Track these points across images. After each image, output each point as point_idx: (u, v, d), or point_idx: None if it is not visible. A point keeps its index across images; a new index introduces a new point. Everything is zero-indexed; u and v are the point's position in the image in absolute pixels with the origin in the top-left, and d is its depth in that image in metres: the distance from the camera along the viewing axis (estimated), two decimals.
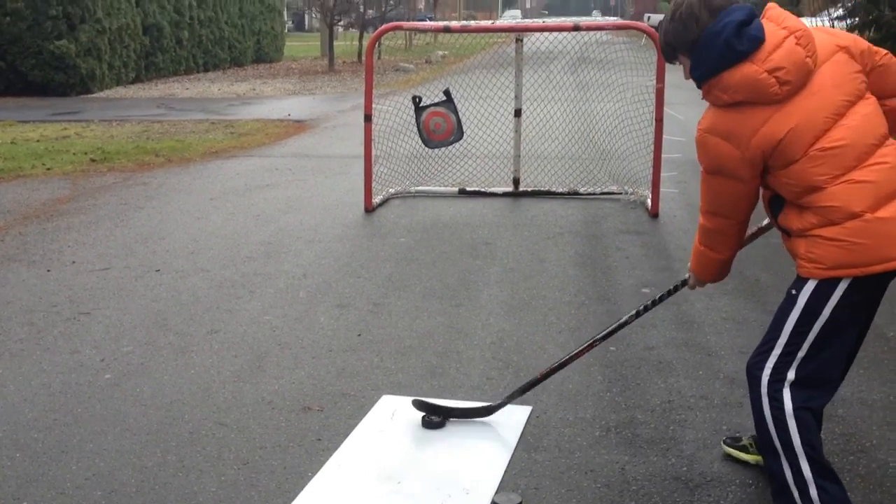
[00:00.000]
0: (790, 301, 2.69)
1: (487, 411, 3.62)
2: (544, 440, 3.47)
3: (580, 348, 3.50)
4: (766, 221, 3.07)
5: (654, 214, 7.24)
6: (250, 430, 3.59)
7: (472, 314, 4.95)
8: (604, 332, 3.46)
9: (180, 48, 23.64)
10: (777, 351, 2.70)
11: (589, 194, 8.10)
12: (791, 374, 2.67)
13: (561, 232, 6.82)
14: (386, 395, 3.92)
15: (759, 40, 2.56)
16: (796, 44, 2.55)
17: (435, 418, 3.59)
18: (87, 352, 4.46)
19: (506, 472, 3.23)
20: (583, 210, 7.58)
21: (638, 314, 3.40)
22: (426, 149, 8.03)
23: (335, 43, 27.31)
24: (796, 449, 2.66)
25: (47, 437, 3.54)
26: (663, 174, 7.37)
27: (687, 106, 11.92)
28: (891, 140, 2.64)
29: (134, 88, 20.34)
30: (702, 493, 3.08)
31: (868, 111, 2.61)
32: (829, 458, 2.93)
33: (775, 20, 2.62)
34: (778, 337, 2.70)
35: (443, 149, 8.06)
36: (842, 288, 2.58)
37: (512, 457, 3.34)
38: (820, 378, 2.70)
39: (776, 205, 2.76)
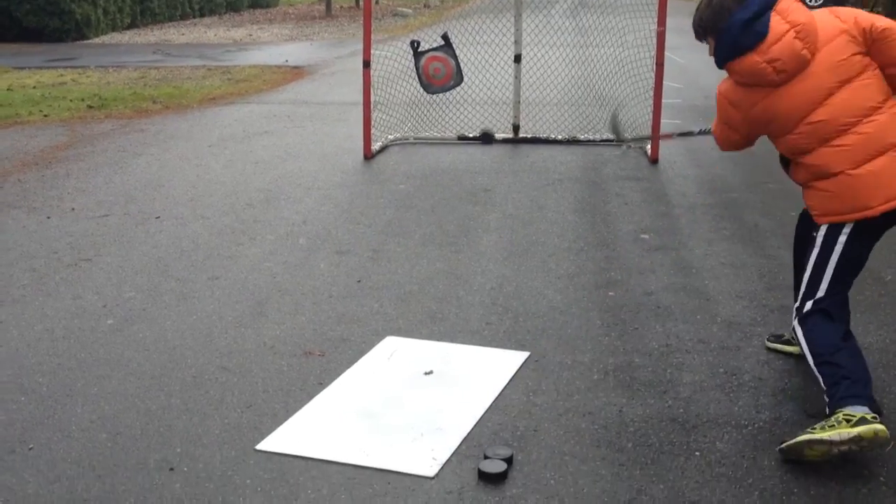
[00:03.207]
0: (812, 241, 3.17)
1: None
2: (543, 383, 3.51)
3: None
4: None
5: (654, 160, 7.23)
6: (252, 375, 3.63)
7: (472, 260, 4.97)
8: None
9: None
10: (805, 283, 3.17)
11: (588, 141, 8.07)
12: (818, 297, 3.12)
13: (560, 178, 6.82)
14: (390, 336, 3.96)
15: (762, 35, 2.98)
16: (795, 38, 2.96)
17: None
18: (89, 297, 4.49)
19: (505, 414, 3.28)
20: (582, 156, 7.56)
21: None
22: (425, 95, 7.97)
23: None
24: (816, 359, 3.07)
25: (52, 382, 3.59)
26: (663, 120, 7.33)
27: (689, 50, 11.81)
28: (891, 101, 3.02)
29: (129, 34, 20.14)
30: (698, 434, 3.13)
31: (856, 89, 2.98)
32: (823, 401, 2.97)
33: (782, 13, 3.00)
34: (804, 273, 3.18)
35: (442, 95, 8.01)
36: (847, 229, 3.05)
37: (508, 400, 3.38)
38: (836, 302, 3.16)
39: (784, 160, 3.26)
